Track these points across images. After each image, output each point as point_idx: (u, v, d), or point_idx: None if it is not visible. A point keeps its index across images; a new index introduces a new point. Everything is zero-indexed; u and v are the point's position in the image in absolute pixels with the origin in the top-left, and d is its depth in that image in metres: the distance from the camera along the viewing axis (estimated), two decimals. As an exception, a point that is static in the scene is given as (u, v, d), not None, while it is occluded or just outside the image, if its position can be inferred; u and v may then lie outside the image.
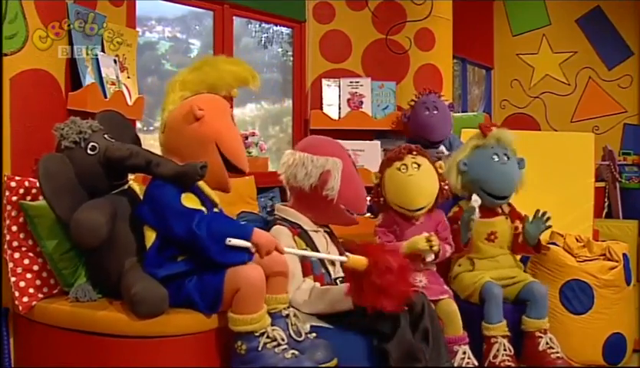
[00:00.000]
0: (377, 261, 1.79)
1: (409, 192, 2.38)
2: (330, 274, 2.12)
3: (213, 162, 1.83)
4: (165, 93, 1.93)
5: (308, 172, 2.10)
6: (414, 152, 2.43)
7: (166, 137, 1.90)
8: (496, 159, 2.55)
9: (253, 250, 1.72)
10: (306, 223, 2.15)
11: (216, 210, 1.87)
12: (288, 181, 2.16)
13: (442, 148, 3.06)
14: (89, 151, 1.83)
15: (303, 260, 2.06)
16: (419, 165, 2.40)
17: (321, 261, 2.10)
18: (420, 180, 2.39)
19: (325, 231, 2.23)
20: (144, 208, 1.79)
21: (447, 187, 2.49)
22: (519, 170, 2.60)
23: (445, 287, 2.44)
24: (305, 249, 2.08)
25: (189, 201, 1.76)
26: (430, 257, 2.33)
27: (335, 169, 2.11)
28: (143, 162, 1.76)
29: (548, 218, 2.47)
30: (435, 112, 3.29)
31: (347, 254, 1.84)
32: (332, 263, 2.15)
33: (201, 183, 1.81)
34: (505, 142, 2.58)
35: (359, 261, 1.81)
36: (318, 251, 2.11)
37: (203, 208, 1.78)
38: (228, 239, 1.67)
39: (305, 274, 2.04)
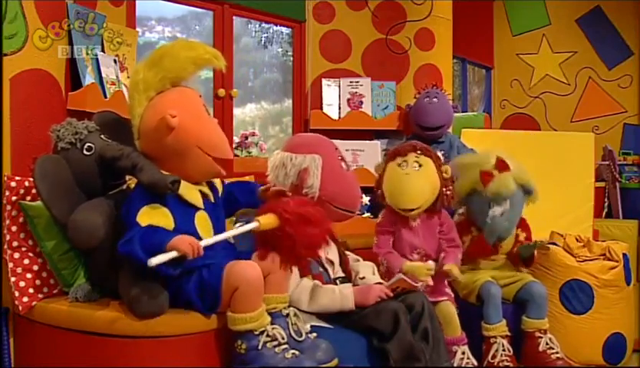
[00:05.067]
0: (286, 212, 1.76)
1: (401, 191, 2.33)
2: (328, 273, 2.11)
3: (201, 164, 1.80)
4: (129, 96, 1.83)
5: (287, 173, 2.07)
6: (419, 151, 2.37)
7: (143, 146, 1.82)
8: (500, 213, 2.45)
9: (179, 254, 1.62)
10: None
11: (198, 213, 1.81)
12: (274, 182, 2.13)
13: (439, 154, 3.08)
14: (85, 152, 1.83)
15: None
16: (420, 165, 2.34)
17: (319, 260, 2.09)
18: (416, 180, 2.32)
19: None
20: (123, 211, 1.76)
21: (449, 193, 2.40)
22: (523, 206, 2.52)
23: (447, 289, 2.42)
24: None
25: (150, 214, 1.69)
26: (426, 284, 2.28)
27: (313, 166, 2.07)
28: (129, 164, 1.73)
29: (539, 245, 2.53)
30: (435, 100, 3.32)
31: (256, 219, 1.77)
32: (331, 262, 2.14)
33: (182, 189, 1.75)
34: (503, 195, 2.42)
35: (270, 219, 1.76)
36: None
37: (168, 222, 1.71)
38: (149, 260, 1.56)
39: (303, 274, 2.04)
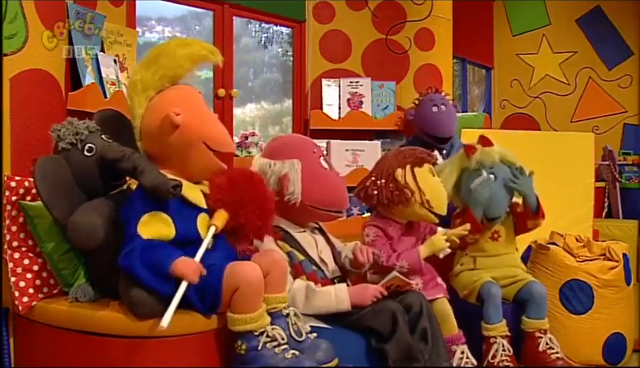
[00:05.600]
0: (220, 199, 1.78)
1: (445, 199, 2.37)
2: (323, 271, 2.10)
3: (204, 160, 1.80)
4: (128, 97, 1.83)
5: (267, 180, 2.04)
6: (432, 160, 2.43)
7: (146, 146, 1.82)
8: (480, 181, 2.50)
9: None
10: (287, 225, 2.10)
11: (201, 215, 1.79)
12: None
13: (436, 153, 3.06)
14: (86, 152, 1.82)
15: (292, 261, 2.04)
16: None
17: (311, 259, 2.09)
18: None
19: (315, 229, 2.21)
20: (122, 214, 1.76)
21: None
22: (510, 185, 2.54)
23: (439, 281, 2.41)
24: (290, 251, 2.05)
25: (151, 224, 1.69)
26: (446, 253, 2.34)
27: (293, 172, 2.05)
28: (130, 166, 1.73)
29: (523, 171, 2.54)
30: (443, 107, 3.28)
31: (211, 223, 1.77)
32: (324, 262, 2.13)
33: (184, 190, 1.74)
34: (487, 163, 2.53)
35: (221, 215, 1.77)
36: (305, 251, 2.08)
37: (169, 231, 1.71)
38: (161, 325, 1.56)
39: (296, 275, 2.03)
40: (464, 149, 2.60)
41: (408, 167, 2.34)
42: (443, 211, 2.36)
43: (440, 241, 2.30)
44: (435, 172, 2.41)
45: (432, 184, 2.35)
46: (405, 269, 2.26)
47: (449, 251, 2.35)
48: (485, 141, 2.57)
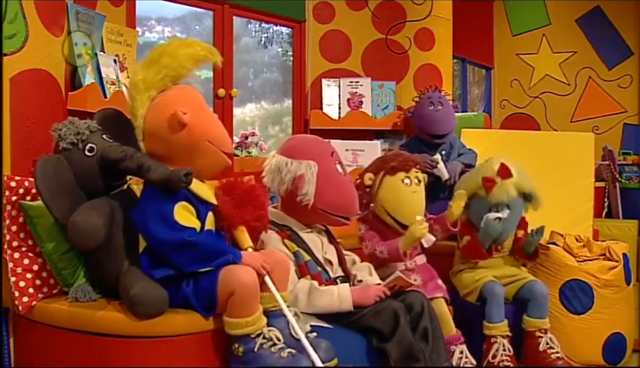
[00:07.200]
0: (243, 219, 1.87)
1: (409, 209, 2.34)
2: (328, 273, 2.11)
3: (211, 157, 1.80)
4: (130, 97, 1.83)
5: (282, 178, 2.05)
6: (418, 166, 2.41)
7: (150, 146, 1.81)
8: (494, 217, 2.44)
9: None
10: (295, 224, 2.11)
11: (209, 212, 1.82)
12: (269, 186, 2.11)
13: (437, 156, 3.06)
14: (87, 152, 1.82)
15: (298, 261, 2.04)
16: (419, 181, 2.39)
17: (317, 260, 2.09)
18: (421, 199, 2.38)
19: (321, 230, 2.21)
20: (136, 214, 1.77)
21: None
22: (522, 212, 2.54)
23: (439, 282, 2.41)
24: (297, 251, 2.05)
25: (183, 214, 1.73)
26: (430, 242, 2.33)
27: (309, 174, 2.04)
28: (135, 165, 1.73)
29: (541, 230, 2.50)
30: (440, 107, 3.29)
31: (247, 247, 1.85)
32: (329, 262, 2.14)
33: (194, 186, 1.75)
34: (505, 201, 2.44)
35: (245, 233, 1.86)
36: (311, 252, 2.09)
37: (196, 223, 1.75)
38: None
39: (301, 275, 2.03)
40: (483, 182, 2.46)
41: (381, 174, 2.37)
42: (408, 222, 2.33)
43: (418, 230, 2.27)
44: (418, 179, 2.38)
45: (399, 194, 2.34)
46: (385, 255, 2.30)
47: (433, 238, 2.33)
48: (504, 172, 2.45)
